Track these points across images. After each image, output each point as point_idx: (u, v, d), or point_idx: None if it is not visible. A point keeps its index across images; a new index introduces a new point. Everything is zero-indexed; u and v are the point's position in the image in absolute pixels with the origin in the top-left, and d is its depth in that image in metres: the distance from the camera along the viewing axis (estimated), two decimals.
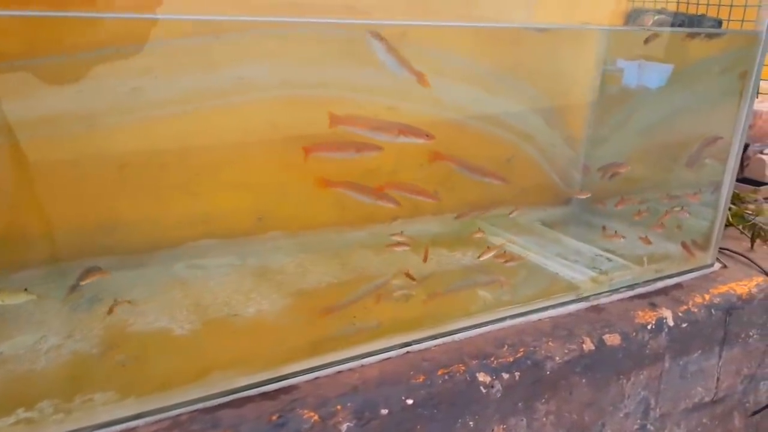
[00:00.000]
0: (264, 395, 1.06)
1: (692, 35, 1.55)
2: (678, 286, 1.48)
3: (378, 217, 1.66)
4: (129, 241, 1.46)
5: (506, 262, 1.42)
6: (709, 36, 1.66)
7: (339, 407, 1.04)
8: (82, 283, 1.28)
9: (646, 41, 1.56)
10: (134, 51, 1.33)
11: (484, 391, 1.16)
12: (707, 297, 1.44)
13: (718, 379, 1.49)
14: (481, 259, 1.43)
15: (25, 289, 1.22)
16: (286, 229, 1.60)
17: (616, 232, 1.61)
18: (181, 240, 1.51)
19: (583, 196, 1.69)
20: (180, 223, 1.52)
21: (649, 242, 1.61)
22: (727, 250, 1.66)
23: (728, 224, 1.85)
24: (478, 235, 1.56)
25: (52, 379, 1.07)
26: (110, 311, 1.21)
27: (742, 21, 1.50)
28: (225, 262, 1.49)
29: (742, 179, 2.23)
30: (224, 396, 1.04)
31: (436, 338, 1.23)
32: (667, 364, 1.39)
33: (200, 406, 1.02)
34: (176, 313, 1.27)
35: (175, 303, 1.31)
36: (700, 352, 1.43)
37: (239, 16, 1.32)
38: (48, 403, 0.99)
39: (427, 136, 1.24)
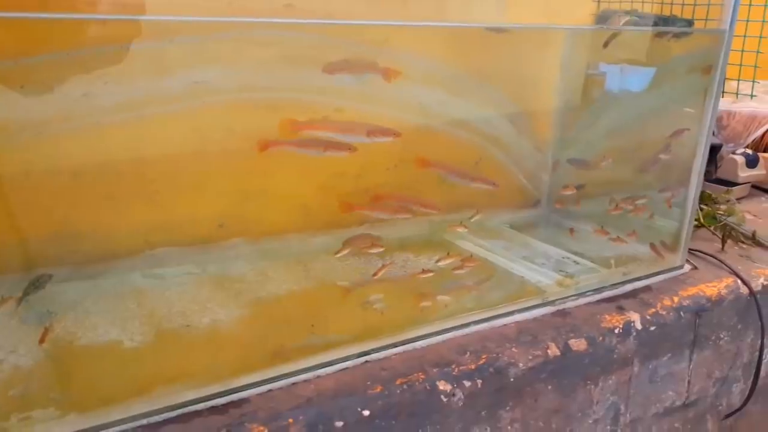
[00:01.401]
0: (213, 409, 1.02)
1: (659, 35, 1.53)
2: (646, 288, 1.46)
3: (344, 222, 1.63)
4: (84, 251, 1.42)
5: (456, 269, 1.38)
6: (677, 36, 1.64)
7: (291, 420, 1.00)
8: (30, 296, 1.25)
9: (605, 44, 1.54)
10: (87, 56, 1.29)
11: (444, 399, 1.12)
12: (676, 299, 1.41)
13: (689, 382, 1.47)
14: (439, 264, 1.39)
15: None
16: (247, 235, 1.56)
17: (602, 227, 1.58)
18: (138, 249, 1.47)
19: (568, 193, 1.65)
20: (137, 232, 1.47)
21: (624, 241, 1.59)
22: (698, 251, 1.64)
23: (700, 225, 1.83)
24: (460, 229, 1.52)
25: None
26: (41, 340, 1.14)
27: (706, 20, 1.48)
28: (183, 271, 1.45)
29: (715, 180, 2.22)
30: (171, 411, 1.00)
31: (397, 346, 1.19)
32: (636, 369, 1.36)
33: (144, 422, 0.97)
34: (128, 324, 1.23)
35: (128, 314, 1.27)
36: (669, 355, 1.41)
37: (195, 17, 1.28)
38: None
39: (395, 134, 1.21)
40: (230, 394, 1.04)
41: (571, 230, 1.58)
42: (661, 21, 1.77)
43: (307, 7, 1.27)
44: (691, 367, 1.46)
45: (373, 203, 1.44)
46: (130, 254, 1.46)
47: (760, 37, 1.83)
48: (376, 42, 1.40)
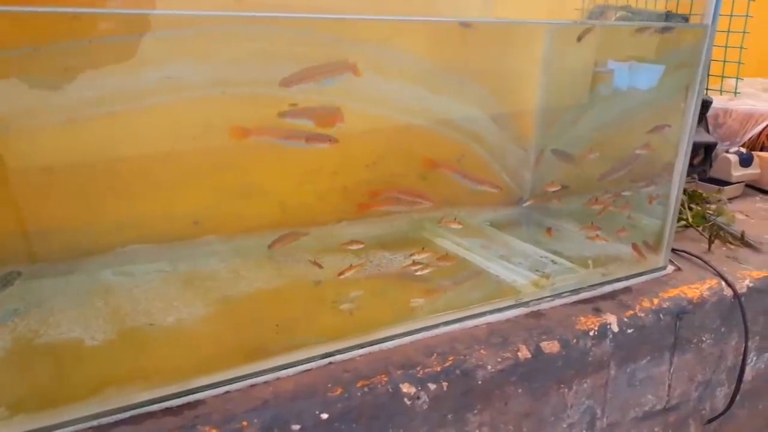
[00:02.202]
0: (167, 411, 1.00)
1: (641, 30, 1.49)
2: (626, 290, 1.42)
3: (321, 218, 1.60)
4: (55, 248, 1.41)
5: (421, 269, 1.36)
6: (664, 31, 1.60)
7: (245, 423, 0.98)
8: None
9: (579, 38, 1.50)
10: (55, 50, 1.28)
11: (408, 402, 1.09)
12: (656, 301, 1.38)
13: (669, 386, 1.43)
14: (413, 257, 1.36)
15: None
16: (222, 232, 1.54)
17: (592, 223, 1.53)
18: (110, 246, 1.45)
19: (553, 189, 1.61)
20: (110, 229, 1.46)
21: (604, 239, 1.55)
22: (683, 251, 1.60)
23: (688, 225, 1.79)
24: (454, 225, 1.50)
25: None
26: None
27: (689, 15, 1.44)
28: (154, 269, 1.43)
29: (709, 179, 2.17)
30: (124, 411, 0.98)
31: (363, 347, 1.17)
32: (612, 372, 1.33)
33: (95, 423, 0.95)
34: (91, 322, 1.21)
35: (93, 312, 1.25)
36: (648, 358, 1.37)
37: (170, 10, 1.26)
38: None
39: (330, 140, 1.19)
40: (186, 395, 1.02)
41: (549, 230, 1.54)
42: (656, 17, 1.73)
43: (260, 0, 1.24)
44: (671, 370, 1.42)
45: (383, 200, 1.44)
46: (102, 251, 1.44)
47: (744, 32, 1.78)
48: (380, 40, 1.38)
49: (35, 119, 1.30)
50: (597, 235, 1.51)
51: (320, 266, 1.37)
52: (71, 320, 1.22)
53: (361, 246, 1.40)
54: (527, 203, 1.74)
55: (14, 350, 1.11)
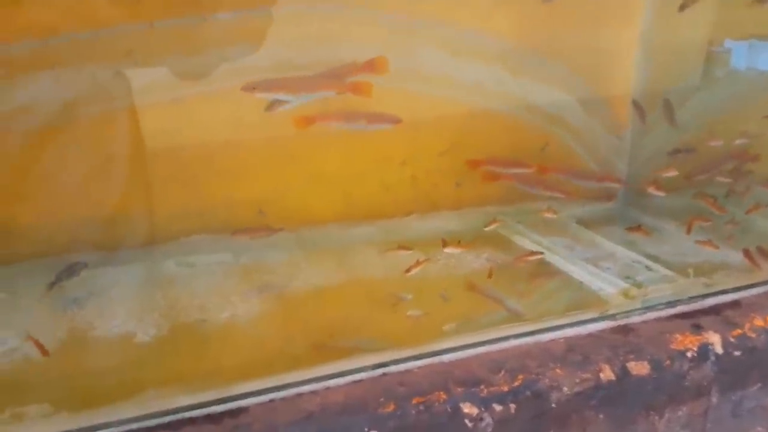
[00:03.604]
0: (209, 418, 0.94)
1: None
2: (734, 304, 1.23)
3: (385, 211, 1.51)
4: (120, 236, 1.40)
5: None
6: None
7: None
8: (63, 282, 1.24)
9: (682, 8, 1.29)
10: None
11: (470, 425, 0.98)
12: None
13: None
14: (408, 273, 1.23)
15: None
16: (287, 223, 1.48)
17: (710, 240, 1.34)
18: (174, 235, 1.43)
19: (670, 174, 1.40)
20: (175, 217, 1.43)
21: (716, 246, 1.35)
22: None
23: None
24: (548, 215, 1.36)
25: None
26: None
27: None
28: (217, 260, 1.40)
29: None
30: (164, 416, 0.93)
31: (421, 359, 1.06)
32: (714, 400, 1.15)
33: (135, 426, 0.91)
34: (146, 315, 1.19)
35: (150, 304, 1.23)
36: (759, 385, 1.18)
37: None
38: None
39: (393, 121, 1.09)
40: (229, 401, 0.96)
41: (639, 227, 1.33)
42: None
43: None
44: None
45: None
46: (166, 240, 1.42)
47: None
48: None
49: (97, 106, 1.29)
50: (710, 241, 1.31)
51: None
52: (128, 312, 1.20)
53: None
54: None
55: (68, 344, 1.10)
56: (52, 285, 1.23)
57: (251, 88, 1.06)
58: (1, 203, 1.30)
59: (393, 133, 1.43)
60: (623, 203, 1.59)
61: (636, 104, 1.49)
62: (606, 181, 1.39)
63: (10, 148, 1.28)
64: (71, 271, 1.30)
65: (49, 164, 1.31)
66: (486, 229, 1.32)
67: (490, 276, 1.27)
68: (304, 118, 1.20)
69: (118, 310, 1.21)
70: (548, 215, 1.36)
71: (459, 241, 1.29)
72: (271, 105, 1.11)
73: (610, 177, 1.37)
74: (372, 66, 1.10)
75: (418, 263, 1.24)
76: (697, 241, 1.36)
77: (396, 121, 1.20)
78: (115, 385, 1.02)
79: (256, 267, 1.37)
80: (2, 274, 1.29)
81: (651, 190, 1.30)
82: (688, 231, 1.38)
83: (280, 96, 1.10)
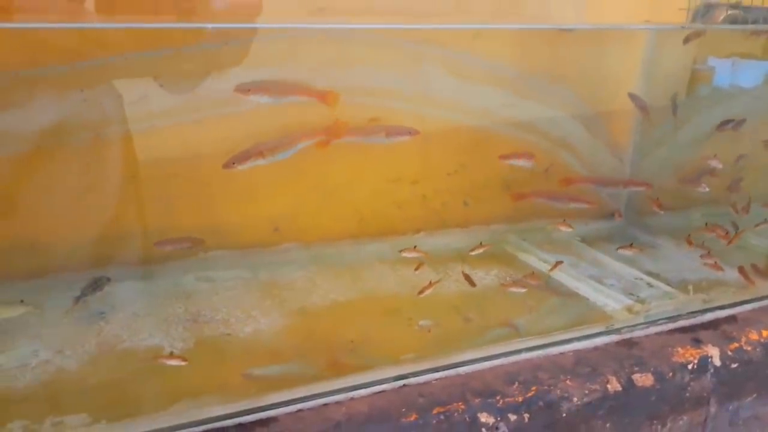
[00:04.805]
0: (240, 426, 0.99)
1: (756, 33, 1.35)
2: (731, 318, 1.30)
3: (399, 228, 1.56)
4: (141, 252, 1.44)
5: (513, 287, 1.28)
6: None
7: None
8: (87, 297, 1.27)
9: (686, 40, 1.37)
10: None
11: None
12: (765, 333, 1.25)
13: None
14: (421, 295, 1.27)
15: (21, 301, 1.21)
16: (301, 240, 1.53)
17: (716, 262, 1.38)
18: (193, 251, 1.47)
19: (703, 190, 1.46)
20: (193, 234, 1.48)
21: (720, 268, 1.40)
22: None
23: None
24: (564, 228, 1.41)
25: (31, 398, 1.04)
26: None
27: None
28: (235, 275, 1.44)
29: None
30: (198, 425, 0.98)
31: (438, 371, 1.11)
32: (713, 409, 1.22)
33: None
34: (171, 329, 1.23)
35: (174, 318, 1.27)
36: (755, 396, 1.25)
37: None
38: (19, 424, 0.96)
39: (411, 133, 1.22)
40: (260, 411, 1.01)
41: (631, 245, 1.38)
42: None
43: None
44: None
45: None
46: (185, 256, 1.46)
47: None
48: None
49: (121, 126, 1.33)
50: (715, 263, 1.37)
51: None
52: (153, 326, 1.24)
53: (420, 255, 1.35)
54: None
55: (98, 356, 1.14)
56: (77, 299, 1.28)
57: (246, 90, 1.13)
58: (27, 219, 1.34)
59: (405, 154, 1.50)
60: (625, 222, 1.65)
61: (634, 98, 1.53)
62: (631, 186, 1.44)
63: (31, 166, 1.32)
64: (96, 285, 1.34)
65: (72, 183, 1.35)
66: (472, 253, 1.35)
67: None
68: (323, 139, 1.26)
69: (143, 324, 1.25)
70: (563, 228, 1.42)
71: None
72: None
73: (635, 181, 1.43)
74: (323, 96, 1.19)
75: (431, 284, 1.29)
76: (705, 264, 1.41)
77: (414, 133, 1.26)
78: (147, 396, 1.06)
79: (274, 283, 1.42)
80: (28, 288, 1.32)
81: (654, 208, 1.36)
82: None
83: (266, 98, 1.17)
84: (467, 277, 1.34)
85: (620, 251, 1.38)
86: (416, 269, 1.33)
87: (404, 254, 1.35)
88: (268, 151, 1.13)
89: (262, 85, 1.13)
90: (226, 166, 1.11)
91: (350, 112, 1.29)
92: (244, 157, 1.12)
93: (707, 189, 1.40)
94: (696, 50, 1.62)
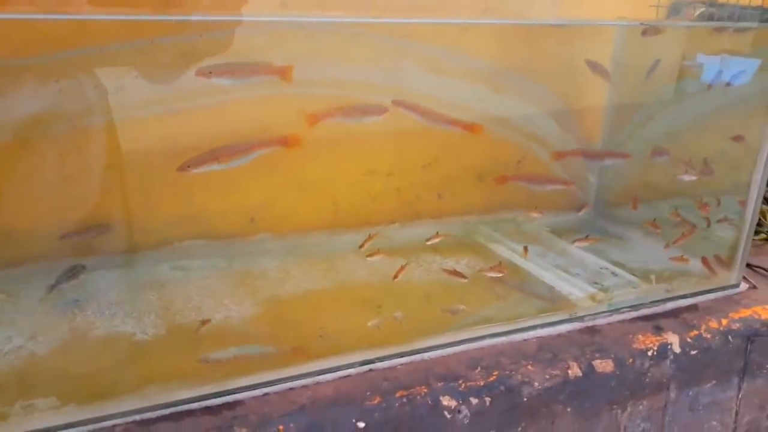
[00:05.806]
0: (207, 410, 1.01)
1: (720, 30, 1.38)
2: (692, 307, 1.33)
3: (374, 219, 1.59)
4: (116, 241, 1.46)
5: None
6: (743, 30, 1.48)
7: (281, 428, 0.98)
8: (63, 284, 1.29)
9: (644, 33, 1.40)
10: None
11: (448, 416, 1.07)
12: (725, 321, 1.28)
13: (737, 413, 1.33)
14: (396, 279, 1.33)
15: None
16: (276, 231, 1.55)
17: (683, 256, 1.44)
18: (169, 240, 1.49)
19: (690, 178, 1.50)
20: (167, 224, 1.49)
21: (686, 260, 1.44)
22: (760, 268, 1.48)
23: None
24: (535, 215, 1.45)
25: (1, 383, 1.07)
26: None
27: None
28: (210, 264, 1.46)
29: None
30: (166, 408, 1.00)
31: (404, 356, 1.14)
32: (672, 395, 1.25)
33: (137, 417, 0.98)
34: (144, 317, 1.25)
35: (147, 306, 1.29)
36: (714, 382, 1.28)
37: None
38: None
39: (381, 111, 1.25)
40: (227, 395, 1.03)
41: (586, 238, 1.41)
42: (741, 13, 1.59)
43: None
44: (740, 396, 1.32)
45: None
46: (160, 245, 1.48)
47: None
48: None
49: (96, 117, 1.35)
50: (682, 257, 1.41)
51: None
52: (126, 314, 1.26)
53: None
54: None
55: (71, 342, 1.16)
56: (52, 287, 1.29)
57: (207, 72, 1.13)
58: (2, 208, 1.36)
59: (380, 147, 1.52)
60: (593, 213, 1.69)
61: (593, 65, 1.53)
62: (553, 184, 1.46)
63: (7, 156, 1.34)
64: (71, 273, 1.36)
65: (48, 172, 1.37)
66: (428, 243, 1.42)
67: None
68: (312, 115, 1.27)
69: (116, 311, 1.27)
70: (534, 214, 1.45)
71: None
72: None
73: (558, 179, 1.45)
74: (282, 72, 1.20)
75: (402, 268, 1.33)
76: (672, 258, 1.45)
77: (383, 111, 1.28)
78: (117, 380, 1.08)
79: (248, 272, 1.44)
80: (4, 276, 1.34)
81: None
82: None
83: (228, 80, 1.18)
84: (454, 272, 1.37)
85: (576, 244, 1.41)
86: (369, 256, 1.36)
87: (428, 243, 1.42)
88: (224, 157, 1.13)
89: (223, 68, 1.14)
90: (181, 168, 1.11)
91: (323, 104, 1.31)
92: (199, 161, 1.12)
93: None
94: (684, 47, 1.65)
